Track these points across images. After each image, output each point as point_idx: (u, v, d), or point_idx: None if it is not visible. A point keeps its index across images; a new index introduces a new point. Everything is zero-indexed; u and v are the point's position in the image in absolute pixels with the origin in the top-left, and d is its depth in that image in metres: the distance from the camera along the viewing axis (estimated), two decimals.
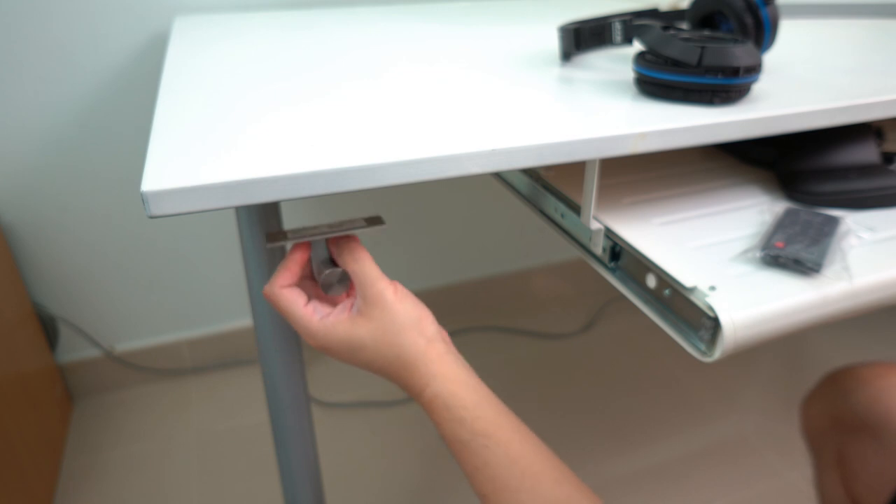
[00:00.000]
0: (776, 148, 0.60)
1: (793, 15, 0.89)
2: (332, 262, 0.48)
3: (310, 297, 0.47)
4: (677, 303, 0.44)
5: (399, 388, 0.46)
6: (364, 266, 0.45)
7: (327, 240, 0.48)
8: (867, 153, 0.56)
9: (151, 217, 0.35)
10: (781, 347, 1.49)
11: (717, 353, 0.41)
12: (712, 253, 0.47)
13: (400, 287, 0.46)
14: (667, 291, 0.45)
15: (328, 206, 1.33)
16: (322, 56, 0.66)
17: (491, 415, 0.44)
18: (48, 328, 1.23)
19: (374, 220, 0.48)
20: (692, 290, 0.43)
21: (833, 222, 0.49)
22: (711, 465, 1.19)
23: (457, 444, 0.43)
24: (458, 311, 1.56)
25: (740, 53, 0.47)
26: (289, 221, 0.63)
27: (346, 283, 0.48)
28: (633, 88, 0.53)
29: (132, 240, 1.23)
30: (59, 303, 1.24)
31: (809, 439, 0.76)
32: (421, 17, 0.92)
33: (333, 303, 0.49)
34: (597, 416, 1.28)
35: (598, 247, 0.52)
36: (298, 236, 0.46)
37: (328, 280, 0.47)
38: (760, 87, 0.53)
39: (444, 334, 0.48)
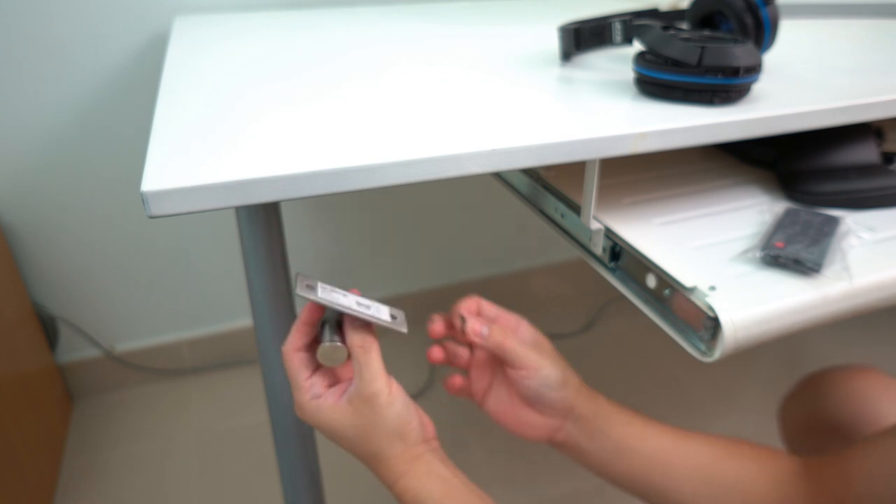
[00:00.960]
0: (776, 148, 0.60)
1: (793, 15, 0.89)
2: (339, 328, 0.48)
3: (315, 367, 0.48)
4: (677, 303, 0.44)
5: (351, 451, 0.48)
6: (370, 358, 0.45)
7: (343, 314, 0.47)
8: (867, 153, 0.56)
9: (151, 217, 0.35)
10: (781, 347, 1.49)
11: (717, 353, 0.41)
12: (712, 253, 0.47)
13: (395, 387, 0.46)
14: (667, 291, 0.45)
15: (328, 206, 1.33)
16: (322, 56, 0.66)
17: (459, 498, 0.46)
18: (48, 328, 1.23)
19: (397, 325, 0.47)
20: (692, 290, 0.43)
21: (833, 222, 0.49)
22: None
23: None
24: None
25: (740, 53, 0.47)
26: (289, 221, 0.63)
27: (342, 359, 0.47)
28: (633, 88, 0.53)
29: (132, 240, 1.23)
30: (59, 303, 1.24)
31: (786, 441, 0.77)
32: (421, 17, 0.92)
33: (329, 378, 0.49)
34: None
35: (598, 247, 0.52)
36: (326, 299, 0.45)
37: (327, 353, 0.46)
38: (760, 87, 0.53)
39: (431, 432, 0.49)
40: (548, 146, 0.42)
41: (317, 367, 0.48)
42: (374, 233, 1.41)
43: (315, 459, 0.73)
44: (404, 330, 0.47)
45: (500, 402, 0.54)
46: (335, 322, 0.48)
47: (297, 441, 0.70)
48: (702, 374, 1.40)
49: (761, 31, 0.54)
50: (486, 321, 0.52)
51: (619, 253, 0.51)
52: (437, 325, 0.53)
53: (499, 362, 0.54)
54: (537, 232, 1.56)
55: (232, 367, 1.41)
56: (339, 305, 0.45)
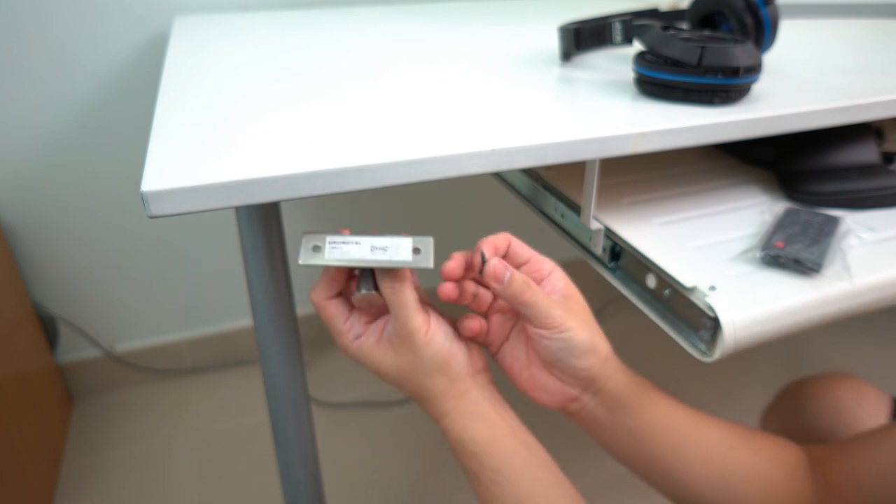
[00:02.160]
0: (776, 148, 0.60)
1: (793, 15, 0.89)
2: (374, 281, 0.45)
3: (351, 309, 0.47)
4: (677, 303, 0.44)
5: (399, 389, 0.47)
6: (402, 299, 0.43)
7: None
8: (867, 153, 0.56)
9: (151, 217, 0.35)
10: (781, 347, 1.49)
11: (717, 353, 0.41)
12: (712, 253, 0.47)
13: (434, 322, 0.44)
14: (667, 291, 0.45)
15: (329, 206, 1.33)
16: (322, 56, 0.66)
17: (505, 450, 0.44)
18: (48, 328, 1.23)
19: (420, 252, 0.44)
20: (692, 290, 0.43)
21: (833, 222, 0.49)
22: None
23: (469, 472, 0.44)
24: (459, 311, 1.56)
25: (740, 53, 0.47)
26: (289, 221, 0.63)
27: (378, 304, 0.46)
28: (633, 88, 0.53)
29: (132, 240, 1.22)
30: (59, 303, 1.24)
31: None
32: (421, 17, 0.92)
33: (370, 314, 0.48)
34: None
35: (598, 247, 0.52)
36: (335, 259, 0.43)
37: (363, 300, 0.45)
38: (760, 87, 0.53)
39: (479, 364, 0.47)
40: (548, 146, 0.42)
41: (352, 308, 0.47)
42: None
43: (315, 459, 0.73)
44: (429, 265, 0.43)
45: (514, 358, 0.48)
46: (367, 274, 0.46)
47: (297, 441, 0.70)
48: (702, 374, 1.40)
49: (761, 31, 0.54)
50: (509, 266, 0.44)
51: (619, 253, 0.51)
52: (454, 264, 0.45)
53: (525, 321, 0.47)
54: (537, 232, 1.56)
55: (232, 367, 1.41)
56: (350, 261, 0.42)
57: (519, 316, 0.48)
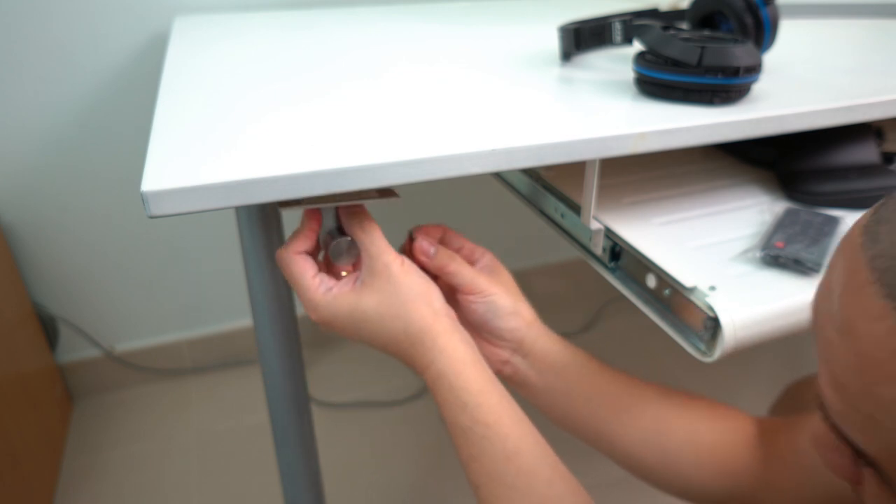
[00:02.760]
0: (776, 148, 0.60)
1: (793, 15, 0.89)
2: (341, 232, 0.47)
3: (319, 270, 0.47)
4: (677, 303, 0.44)
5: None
6: (372, 236, 0.45)
7: (338, 209, 0.47)
8: (867, 153, 0.56)
9: (151, 217, 0.35)
10: (781, 347, 1.49)
11: (717, 353, 0.41)
12: (712, 253, 0.47)
13: (407, 261, 0.45)
14: (667, 291, 0.45)
15: None
16: (322, 56, 0.66)
17: (494, 403, 0.43)
18: (48, 328, 1.23)
19: (387, 192, 0.47)
20: (692, 290, 0.43)
21: (833, 222, 0.49)
22: None
23: (456, 429, 0.43)
24: None
25: (740, 53, 0.47)
26: (289, 221, 0.63)
27: (353, 253, 0.47)
28: (633, 88, 0.53)
29: (132, 240, 1.22)
30: (59, 303, 1.24)
31: None
32: (421, 17, 0.92)
33: (337, 275, 0.48)
34: None
35: (598, 247, 0.52)
36: (311, 203, 0.45)
37: (336, 249, 0.46)
38: (760, 87, 0.53)
39: (451, 311, 0.47)
40: (548, 146, 0.42)
41: (319, 269, 0.47)
42: None
43: (315, 459, 0.73)
44: (397, 198, 0.46)
45: None
46: (334, 228, 0.48)
47: (297, 441, 0.70)
48: (702, 374, 1.40)
49: (761, 31, 0.54)
50: (435, 243, 0.50)
51: (619, 253, 0.51)
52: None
53: (449, 294, 0.52)
54: (537, 232, 1.56)
55: (232, 367, 1.41)
56: (325, 202, 0.45)
57: (452, 297, 0.52)
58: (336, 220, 0.48)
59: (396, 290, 0.44)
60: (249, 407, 1.30)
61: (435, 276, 0.50)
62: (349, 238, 0.46)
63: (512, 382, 0.53)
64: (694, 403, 0.54)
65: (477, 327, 0.52)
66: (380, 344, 0.46)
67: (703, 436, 0.51)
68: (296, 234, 0.46)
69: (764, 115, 0.47)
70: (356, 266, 0.48)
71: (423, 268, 0.49)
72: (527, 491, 0.42)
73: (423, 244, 0.50)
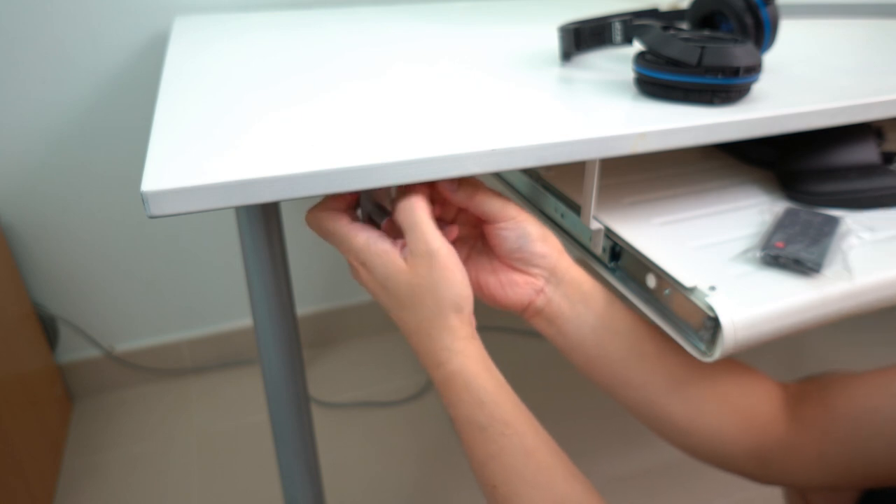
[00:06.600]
0: (776, 148, 0.60)
1: (793, 15, 0.89)
2: (382, 210, 0.46)
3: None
4: (677, 303, 0.44)
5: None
6: (416, 218, 0.43)
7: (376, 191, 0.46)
8: (867, 153, 0.56)
9: (151, 217, 0.35)
10: (781, 347, 1.49)
11: (717, 353, 0.41)
12: (712, 253, 0.47)
13: (452, 251, 0.44)
14: (667, 291, 0.45)
15: None
16: (322, 56, 0.66)
17: (509, 404, 0.43)
18: (48, 328, 1.23)
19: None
20: (692, 290, 0.43)
21: (833, 222, 0.49)
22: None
23: (472, 428, 0.43)
24: None
25: (740, 53, 0.47)
26: (289, 221, 0.63)
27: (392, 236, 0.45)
28: (633, 88, 0.53)
29: (132, 240, 1.23)
30: (59, 303, 1.24)
31: None
32: (421, 17, 0.92)
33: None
34: (597, 417, 1.28)
35: (598, 247, 0.52)
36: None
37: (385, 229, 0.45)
38: (760, 87, 0.53)
39: (474, 321, 0.46)
40: (548, 146, 0.42)
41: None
42: None
43: (315, 459, 0.73)
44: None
45: (480, 268, 0.51)
46: (375, 207, 0.46)
47: (297, 441, 0.70)
48: None
49: (761, 31, 0.54)
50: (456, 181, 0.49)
51: (619, 253, 0.51)
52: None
53: (478, 235, 0.51)
54: None
55: (232, 367, 1.41)
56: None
57: (474, 242, 0.52)
58: (371, 200, 0.47)
59: (433, 286, 0.43)
60: (249, 407, 1.30)
61: (459, 212, 0.51)
62: (390, 218, 0.44)
63: (544, 316, 0.51)
64: (719, 362, 0.52)
65: (509, 256, 0.49)
66: (396, 317, 0.45)
67: (728, 387, 0.50)
68: (328, 197, 0.45)
69: (764, 115, 0.47)
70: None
71: (448, 205, 0.50)
72: (548, 487, 0.41)
73: (445, 182, 0.47)
